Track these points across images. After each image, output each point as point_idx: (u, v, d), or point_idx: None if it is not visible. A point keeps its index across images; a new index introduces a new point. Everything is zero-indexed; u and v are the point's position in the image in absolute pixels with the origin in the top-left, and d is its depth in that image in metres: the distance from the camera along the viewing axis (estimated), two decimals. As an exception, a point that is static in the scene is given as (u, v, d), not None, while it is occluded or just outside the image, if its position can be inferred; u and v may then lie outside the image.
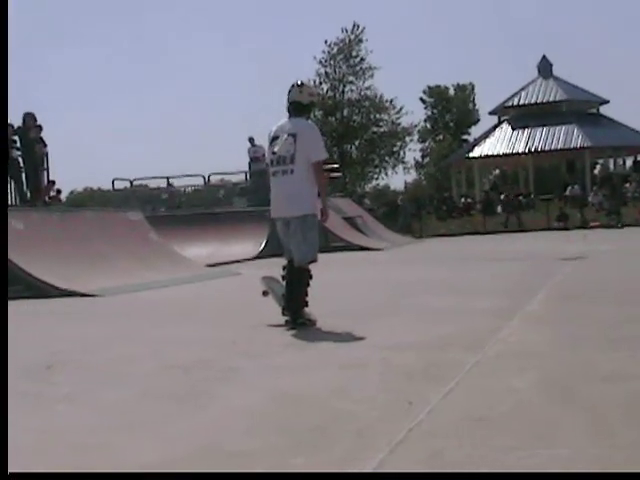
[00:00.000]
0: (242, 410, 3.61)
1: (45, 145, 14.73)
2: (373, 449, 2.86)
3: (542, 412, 3.32)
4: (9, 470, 2.70)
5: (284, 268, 6.32)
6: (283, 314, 6.18)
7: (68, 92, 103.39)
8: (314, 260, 6.23)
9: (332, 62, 41.49)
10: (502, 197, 32.79)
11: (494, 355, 4.66)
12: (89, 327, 7.18)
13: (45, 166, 14.91)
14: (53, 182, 17.70)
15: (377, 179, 46.55)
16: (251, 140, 23.53)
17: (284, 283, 6.28)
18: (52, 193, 17.98)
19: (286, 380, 4.24)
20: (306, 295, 6.11)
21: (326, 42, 41.25)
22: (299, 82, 6.40)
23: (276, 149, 6.27)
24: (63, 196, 23.02)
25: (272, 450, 2.93)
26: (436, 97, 56.11)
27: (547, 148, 38.98)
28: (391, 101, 42.40)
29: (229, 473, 2.70)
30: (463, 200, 36.31)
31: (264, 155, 22.97)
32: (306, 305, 6.11)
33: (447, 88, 56.75)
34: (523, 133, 39.78)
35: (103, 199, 33.07)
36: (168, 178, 25.35)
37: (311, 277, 6.18)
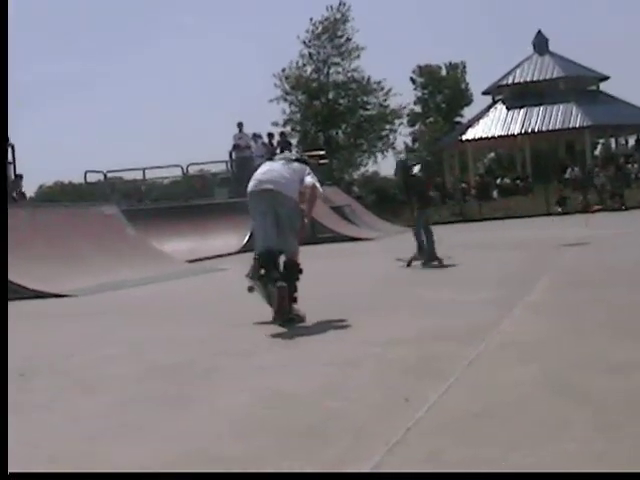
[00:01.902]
0: (229, 412, 3.60)
1: (7, 139, 14.51)
2: (370, 450, 2.86)
3: (546, 407, 3.33)
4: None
5: (260, 257, 6.08)
6: (270, 305, 6.19)
7: (35, 82, 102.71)
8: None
9: (317, 42, 41.31)
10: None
11: (495, 348, 4.67)
12: (64, 330, 7.15)
13: (10, 160, 14.75)
14: (21, 176, 17.61)
15: (366, 165, 46.50)
16: (240, 125, 23.34)
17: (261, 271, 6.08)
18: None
19: (275, 379, 4.24)
20: (295, 290, 6.12)
21: (311, 20, 41.08)
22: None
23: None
24: (31, 191, 22.89)
25: (261, 454, 2.92)
26: (427, 77, 55.95)
27: (544, 128, 38.98)
28: (379, 83, 42.33)
29: (225, 473, 2.70)
30: (457, 185, 36.35)
31: (247, 144, 23.01)
32: (295, 301, 6.12)
33: (439, 67, 56.62)
34: (519, 113, 39.77)
35: (75, 193, 32.91)
36: (144, 169, 25.23)
37: (301, 272, 6.19)
